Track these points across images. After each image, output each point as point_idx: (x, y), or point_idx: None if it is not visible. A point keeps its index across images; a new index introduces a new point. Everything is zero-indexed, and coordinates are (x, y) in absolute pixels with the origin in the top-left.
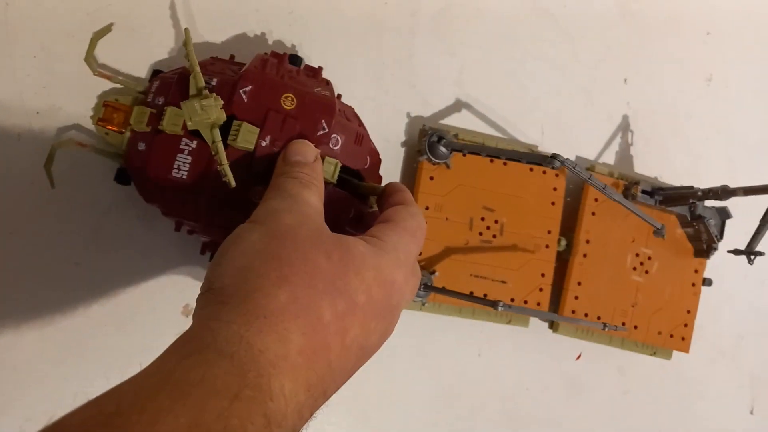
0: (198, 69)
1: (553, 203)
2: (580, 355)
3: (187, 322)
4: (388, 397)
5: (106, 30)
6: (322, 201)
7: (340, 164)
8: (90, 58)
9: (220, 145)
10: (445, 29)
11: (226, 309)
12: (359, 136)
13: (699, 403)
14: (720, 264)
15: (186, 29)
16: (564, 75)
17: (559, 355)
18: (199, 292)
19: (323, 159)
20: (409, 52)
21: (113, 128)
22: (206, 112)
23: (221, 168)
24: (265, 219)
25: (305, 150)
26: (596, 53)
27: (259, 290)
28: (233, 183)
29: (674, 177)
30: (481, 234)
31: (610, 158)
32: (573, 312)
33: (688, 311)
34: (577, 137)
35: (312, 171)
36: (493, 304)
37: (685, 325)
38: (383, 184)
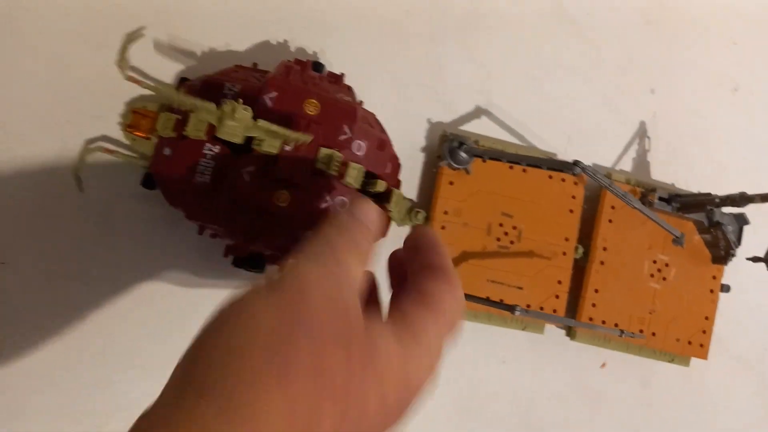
0: (201, 103)
1: (571, 211)
2: (605, 364)
3: None
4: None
5: (138, 35)
6: (364, 268)
7: (364, 169)
8: (122, 63)
9: (276, 127)
10: (469, 37)
11: (203, 403)
12: (382, 142)
13: (720, 415)
14: (744, 272)
15: (162, 86)
16: (589, 83)
17: (579, 364)
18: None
19: (347, 164)
20: (433, 59)
21: (141, 134)
22: (241, 120)
23: (291, 143)
24: (289, 286)
25: (371, 213)
26: (622, 62)
27: (250, 386)
28: (309, 138)
29: (699, 186)
30: (498, 240)
31: (631, 166)
32: (590, 319)
33: (707, 318)
34: (602, 145)
35: (369, 237)
36: (510, 309)
37: (704, 332)
38: (401, 188)
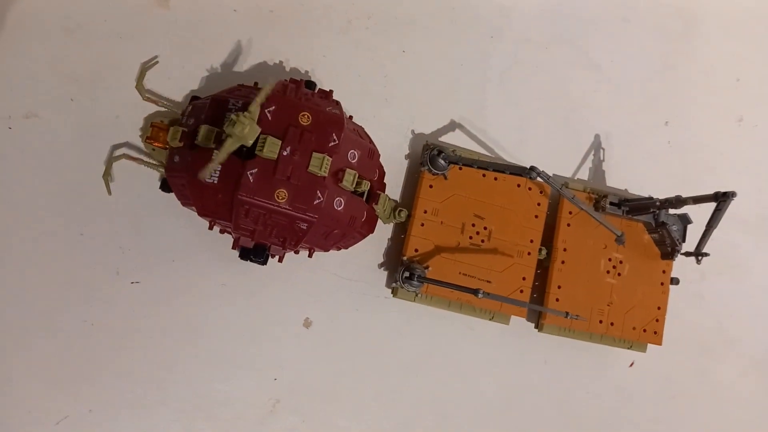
0: (261, 100)
1: (536, 216)
2: (632, 363)
3: (308, 334)
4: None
5: (153, 63)
6: None
7: (357, 174)
8: (140, 86)
9: (224, 154)
10: (509, 85)
11: None
12: (371, 152)
13: (732, 410)
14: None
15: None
16: (610, 120)
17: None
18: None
19: (344, 171)
20: (479, 103)
21: (159, 145)
22: (241, 125)
23: (210, 164)
24: None
25: None
26: (639, 101)
27: None
28: (206, 177)
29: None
30: (471, 238)
31: (630, 184)
32: None
33: (659, 308)
34: (625, 171)
35: None
36: (474, 292)
37: (657, 320)
38: (387, 192)
